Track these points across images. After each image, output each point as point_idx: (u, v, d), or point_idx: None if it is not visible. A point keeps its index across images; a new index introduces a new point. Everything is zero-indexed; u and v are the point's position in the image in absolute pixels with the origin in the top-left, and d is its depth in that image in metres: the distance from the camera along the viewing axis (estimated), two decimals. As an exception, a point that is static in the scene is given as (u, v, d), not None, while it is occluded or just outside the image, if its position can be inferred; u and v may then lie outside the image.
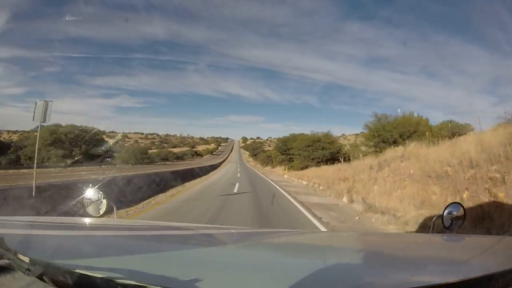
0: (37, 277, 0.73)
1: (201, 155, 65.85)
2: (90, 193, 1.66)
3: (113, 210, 1.77)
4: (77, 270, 0.71)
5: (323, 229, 5.88)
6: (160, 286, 0.66)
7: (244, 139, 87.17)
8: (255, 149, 74.72)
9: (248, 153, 79.08)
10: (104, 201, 1.64)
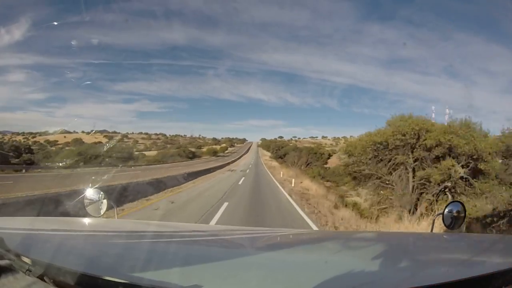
0: (38, 277, 0.73)
1: (199, 157, 52.04)
2: (90, 193, 1.63)
3: (113, 210, 1.75)
4: (78, 271, 0.71)
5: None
6: (160, 287, 0.66)
7: (264, 140, 71.60)
8: (280, 147, 52.81)
9: (269, 154, 55.36)
10: (105, 201, 1.61)
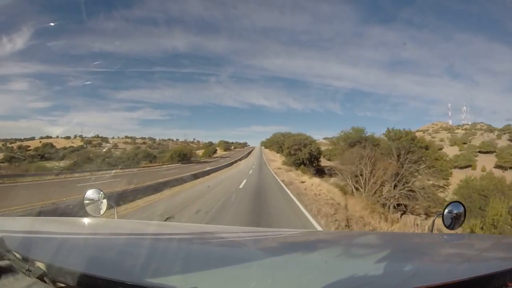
0: (38, 278, 0.73)
1: (158, 164, 30.85)
2: (90, 193, 1.61)
3: (113, 210, 1.73)
4: (78, 271, 0.70)
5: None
6: (160, 287, 0.66)
7: (272, 136, 47.90)
8: (303, 144, 29.51)
9: (282, 157, 33.22)
10: (104, 201, 1.60)
